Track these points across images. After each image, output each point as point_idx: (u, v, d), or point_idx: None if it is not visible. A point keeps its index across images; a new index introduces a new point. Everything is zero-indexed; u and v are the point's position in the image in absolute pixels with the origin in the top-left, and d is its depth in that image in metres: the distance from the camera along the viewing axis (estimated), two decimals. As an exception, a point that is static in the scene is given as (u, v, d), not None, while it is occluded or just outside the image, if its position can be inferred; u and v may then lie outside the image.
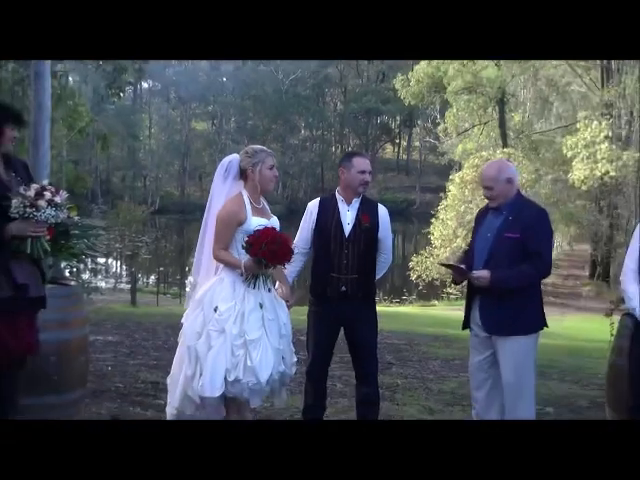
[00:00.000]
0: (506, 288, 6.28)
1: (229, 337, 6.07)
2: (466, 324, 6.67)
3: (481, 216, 6.79)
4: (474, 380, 6.73)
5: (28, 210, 5.36)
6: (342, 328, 6.86)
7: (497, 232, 6.41)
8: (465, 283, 6.71)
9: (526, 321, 6.43)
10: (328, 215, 6.81)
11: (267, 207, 6.51)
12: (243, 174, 6.40)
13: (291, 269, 6.86)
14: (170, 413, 6.44)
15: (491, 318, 6.42)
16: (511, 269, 6.29)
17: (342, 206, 6.81)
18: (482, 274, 6.29)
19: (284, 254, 6.12)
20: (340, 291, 6.71)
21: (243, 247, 6.14)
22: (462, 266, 6.56)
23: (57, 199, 5.47)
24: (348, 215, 6.77)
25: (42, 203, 5.39)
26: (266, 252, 6.01)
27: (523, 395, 6.42)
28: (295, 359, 6.55)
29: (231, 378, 6.06)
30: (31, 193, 5.40)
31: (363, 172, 6.76)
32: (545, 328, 6.65)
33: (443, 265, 7.06)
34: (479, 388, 6.67)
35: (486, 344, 6.52)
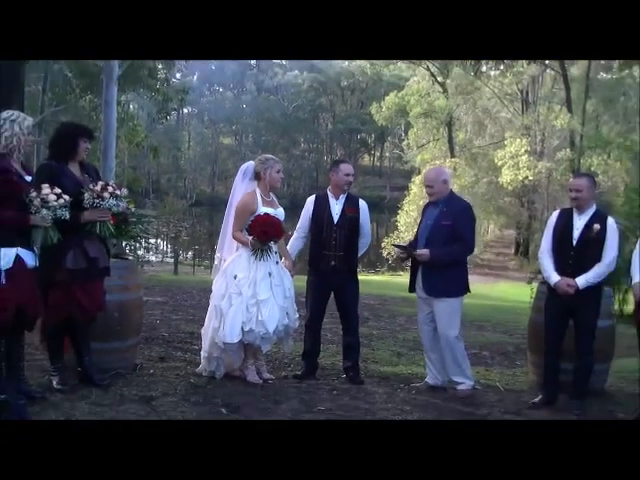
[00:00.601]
0: (440, 262, 6.35)
1: (245, 298, 6.19)
2: (412, 288, 6.70)
3: (425, 209, 6.83)
4: (421, 331, 6.81)
5: (96, 201, 5.51)
6: (332, 293, 6.83)
7: (434, 220, 6.47)
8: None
9: (454, 287, 6.49)
10: (321, 207, 6.79)
11: (275, 200, 6.60)
12: (257, 176, 6.47)
13: (294, 249, 6.94)
14: (203, 356, 6.49)
15: (430, 284, 6.46)
16: (444, 248, 6.36)
17: (332, 200, 6.78)
18: (423, 252, 6.37)
19: (274, 234, 6.25)
20: (330, 265, 6.68)
21: (245, 229, 6.29)
22: (404, 244, 6.91)
23: (117, 192, 5.64)
24: (336, 207, 6.75)
25: (106, 195, 5.53)
26: (259, 232, 6.17)
27: (454, 342, 6.47)
28: (297, 315, 6.58)
29: (246, 329, 6.17)
30: (98, 188, 5.56)
31: (347, 175, 6.77)
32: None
33: (395, 246, 7.09)
34: (425, 337, 6.75)
35: (427, 303, 6.58)
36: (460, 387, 6.52)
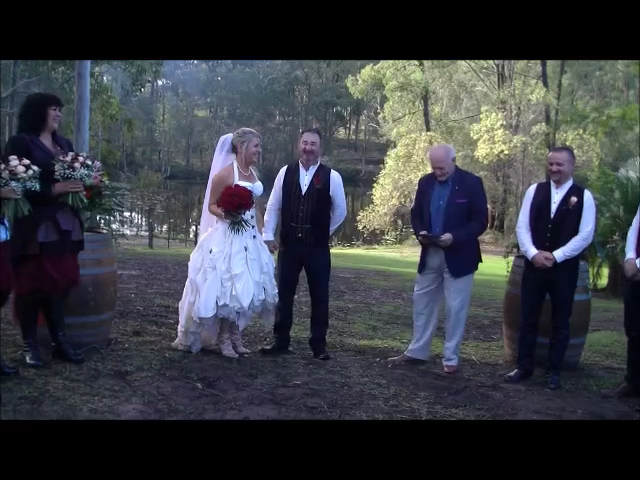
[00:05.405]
0: (462, 244, 6.29)
1: (219, 272, 6.17)
2: (422, 268, 6.57)
3: (427, 185, 6.57)
4: (417, 302, 6.69)
5: (67, 171, 5.40)
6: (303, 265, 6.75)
7: (448, 200, 6.33)
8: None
9: (475, 262, 6.57)
10: (291, 178, 6.69)
11: (255, 174, 6.52)
12: (234, 149, 6.38)
13: (271, 223, 6.79)
14: (180, 330, 6.45)
15: (455, 265, 6.35)
16: (464, 229, 6.29)
17: (302, 171, 6.68)
18: (447, 237, 6.23)
19: (241, 205, 6.15)
20: (297, 237, 6.59)
21: (216, 201, 6.24)
22: (427, 233, 6.36)
23: (88, 162, 5.52)
24: (305, 178, 6.64)
25: (77, 165, 5.42)
26: (225, 202, 6.13)
27: (463, 317, 6.58)
28: (276, 290, 6.48)
29: (221, 303, 6.17)
30: (68, 158, 5.45)
31: (305, 142, 6.62)
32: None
33: (423, 236, 6.58)
34: (420, 305, 6.65)
35: (431, 279, 6.53)
36: (448, 362, 6.53)
